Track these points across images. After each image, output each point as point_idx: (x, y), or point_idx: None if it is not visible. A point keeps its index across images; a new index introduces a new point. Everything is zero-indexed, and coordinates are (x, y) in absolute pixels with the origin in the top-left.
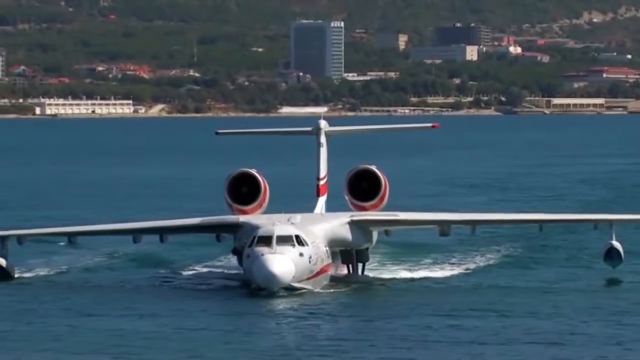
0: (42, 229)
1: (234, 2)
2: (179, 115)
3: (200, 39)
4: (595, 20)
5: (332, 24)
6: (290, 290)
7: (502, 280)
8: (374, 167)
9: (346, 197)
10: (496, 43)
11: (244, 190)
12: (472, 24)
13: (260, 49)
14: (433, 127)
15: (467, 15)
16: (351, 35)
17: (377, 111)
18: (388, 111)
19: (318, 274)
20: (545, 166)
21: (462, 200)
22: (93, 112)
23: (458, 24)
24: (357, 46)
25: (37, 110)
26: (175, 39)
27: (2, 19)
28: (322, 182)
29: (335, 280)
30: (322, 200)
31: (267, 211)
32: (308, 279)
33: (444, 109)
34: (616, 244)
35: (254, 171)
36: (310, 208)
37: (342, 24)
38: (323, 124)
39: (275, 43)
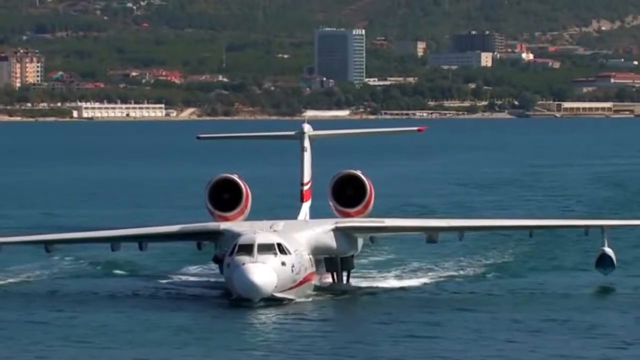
0: (18, 237)
1: (261, 12)
2: (208, 118)
3: (229, 46)
4: (603, 28)
5: (353, 32)
6: (272, 300)
7: None
8: (359, 172)
9: (330, 203)
10: (509, 50)
11: (225, 197)
12: (487, 32)
13: (285, 56)
14: (419, 130)
15: (482, 24)
16: (372, 43)
17: (397, 114)
18: (407, 114)
19: (301, 283)
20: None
21: (475, 200)
22: (127, 115)
23: (473, 32)
24: (377, 53)
25: (74, 114)
26: (205, 46)
27: (41, 28)
28: (306, 188)
29: (319, 289)
30: (306, 206)
31: (249, 218)
32: (291, 288)
33: (460, 113)
34: (608, 251)
35: (235, 177)
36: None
37: (364, 32)
38: (307, 127)
39: (300, 50)
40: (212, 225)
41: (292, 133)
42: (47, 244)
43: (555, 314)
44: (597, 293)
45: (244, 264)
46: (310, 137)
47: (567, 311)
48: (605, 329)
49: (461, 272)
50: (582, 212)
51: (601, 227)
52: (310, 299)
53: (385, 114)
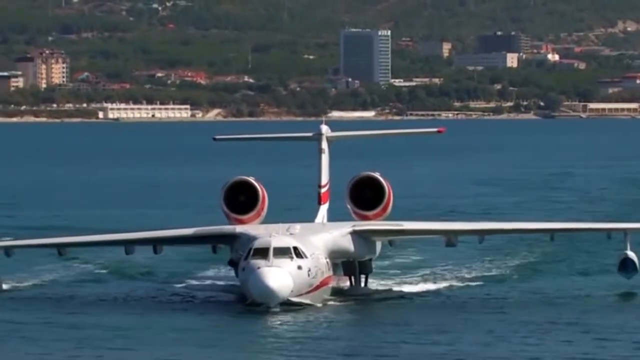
0: (31, 240)
1: (287, 12)
2: (234, 119)
3: (255, 47)
4: (629, 29)
5: (379, 33)
6: (288, 305)
7: None
8: (377, 174)
9: (348, 206)
10: (535, 51)
11: (241, 199)
12: (513, 33)
13: (311, 56)
14: (439, 132)
15: (507, 24)
16: (397, 43)
17: (423, 115)
18: (432, 115)
19: (318, 287)
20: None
21: (497, 201)
22: (153, 116)
23: (499, 33)
24: (403, 53)
25: (100, 115)
26: (230, 47)
27: (66, 28)
28: (323, 190)
29: (336, 293)
30: (323, 208)
31: (266, 221)
32: (307, 293)
33: (485, 114)
34: (631, 254)
35: (251, 179)
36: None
37: (389, 33)
38: (325, 129)
39: (325, 51)
40: (227, 228)
41: (310, 134)
42: (60, 247)
43: (574, 316)
44: (618, 296)
45: (259, 268)
46: (328, 139)
47: (585, 314)
48: (621, 331)
49: (480, 274)
50: (605, 215)
51: (624, 230)
52: (327, 303)
53: (411, 114)
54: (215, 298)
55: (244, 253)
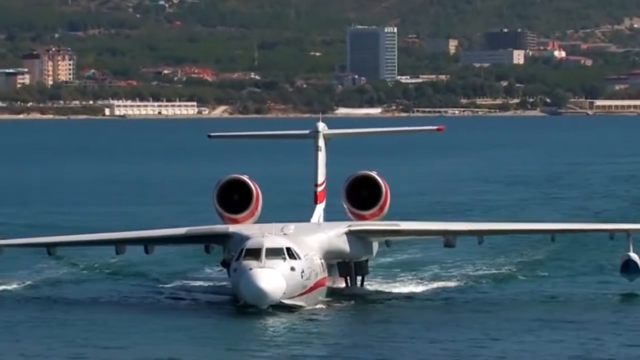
0: (20, 239)
1: (293, 9)
2: (240, 116)
3: (261, 44)
4: (636, 25)
5: (385, 30)
6: (280, 307)
7: None
8: (374, 173)
9: (344, 205)
10: (542, 47)
11: (235, 198)
12: (519, 30)
13: (317, 53)
14: (438, 130)
15: (514, 21)
16: (404, 40)
17: (429, 112)
18: (439, 112)
19: (312, 289)
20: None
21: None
22: (159, 113)
23: (505, 30)
24: (409, 50)
25: (107, 111)
26: (237, 44)
27: (73, 25)
28: (320, 189)
29: (331, 294)
30: (320, 208)
31: (260, 220)
32: (301, 294)
33: (492, 110)
34: (634, 256)
35: (245, 177)
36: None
37: (395, 30)
38: (321, 126)
39: (331, 48)
40: (220, 228)
41: (306, 132)
42: (50, 246)
43: (568, 315)
44: (620, 298)
45: (251, 269)
46: (324, 136)
47: (579, 313)
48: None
49: (475, 273)
50: (608, 214)
51: (627, 231)
52: (320, 305)
53: (417, 111)
54: (206, 299)
55: (236, 253)
